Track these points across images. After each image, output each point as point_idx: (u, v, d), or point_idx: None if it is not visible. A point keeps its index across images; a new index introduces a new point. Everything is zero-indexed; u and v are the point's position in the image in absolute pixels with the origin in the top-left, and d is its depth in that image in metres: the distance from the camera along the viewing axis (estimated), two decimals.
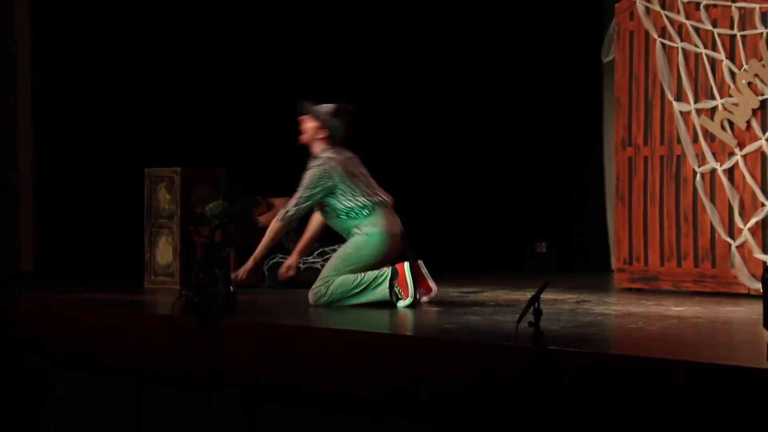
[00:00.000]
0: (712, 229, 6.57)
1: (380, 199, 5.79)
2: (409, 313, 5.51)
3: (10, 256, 7.68)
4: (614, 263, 7.42)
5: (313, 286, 5.75)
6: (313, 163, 5.72)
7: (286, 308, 5.90)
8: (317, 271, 6.08)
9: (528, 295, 3.71)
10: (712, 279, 6.60)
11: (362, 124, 8.66)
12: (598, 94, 8.92)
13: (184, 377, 4.99)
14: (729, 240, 6.48)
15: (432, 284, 5.84)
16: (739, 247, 6.45)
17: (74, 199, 7.81)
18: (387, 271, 5.68)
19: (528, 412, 3.75)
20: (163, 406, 5.15)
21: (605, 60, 8.41)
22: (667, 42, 6.80)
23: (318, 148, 5.78)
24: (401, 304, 5.65)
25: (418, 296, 5.70)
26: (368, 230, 5.70)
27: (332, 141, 5.80)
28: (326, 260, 6.15)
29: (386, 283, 5.65)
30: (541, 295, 3.66)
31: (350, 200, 5.71)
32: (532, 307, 3.63)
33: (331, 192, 5.70)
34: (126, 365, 5.32)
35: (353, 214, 5.73)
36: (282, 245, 6.97)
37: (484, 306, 5.80)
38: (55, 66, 7.81)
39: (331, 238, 6.29)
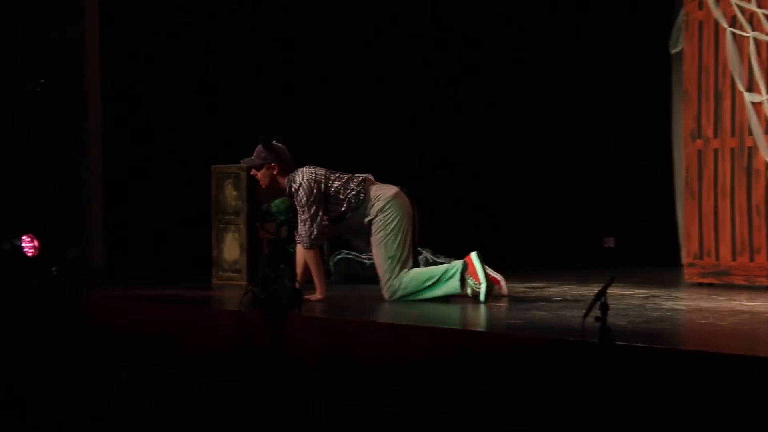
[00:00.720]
0: None
1: (361, 178, 5.89)
2: (475, 309, 5.48)
3: (81, 252, 7.80)
4: (684, 258, 7.31)
5: (383, 282, 5.81)
6: (294, 186, 5.80)
7: (352, 303, 5.91)
8: None
9: (595, 290, 3.66)
10: None
11: (417, 117, 8.65)
12: (667, 86, 8.80)
13: (251, 372, 5.02)
14: None
15: (495, 274, 5.93)
16: None
17: (143, 196, 7.92)
18: (458, 264, 5.76)
19: (595, 408, 3.70)
20: (230, 402, 5.18)
21: (673, 51, 8.30)
22: (737, 31, 6.67)
23: (283, 180, 5.86)
24: (482, 294, 5.68)
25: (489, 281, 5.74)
26: (378, 207, 5.79)
27: (287, 166, 5.86)
28: None
29: (458, 276, 5.72)
30: (609, 291, 3.61)
31: (343, 191, 5.80)
32: (598, 302, 3.58)
33: (327, 194, 5.79)
34: (194, 360, 5.37)
35: (353, 203, 5.81)
36: (345, 241, 6.99)
37: (550, 301, 5.75)
38: (123, 65, 7.92)
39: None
